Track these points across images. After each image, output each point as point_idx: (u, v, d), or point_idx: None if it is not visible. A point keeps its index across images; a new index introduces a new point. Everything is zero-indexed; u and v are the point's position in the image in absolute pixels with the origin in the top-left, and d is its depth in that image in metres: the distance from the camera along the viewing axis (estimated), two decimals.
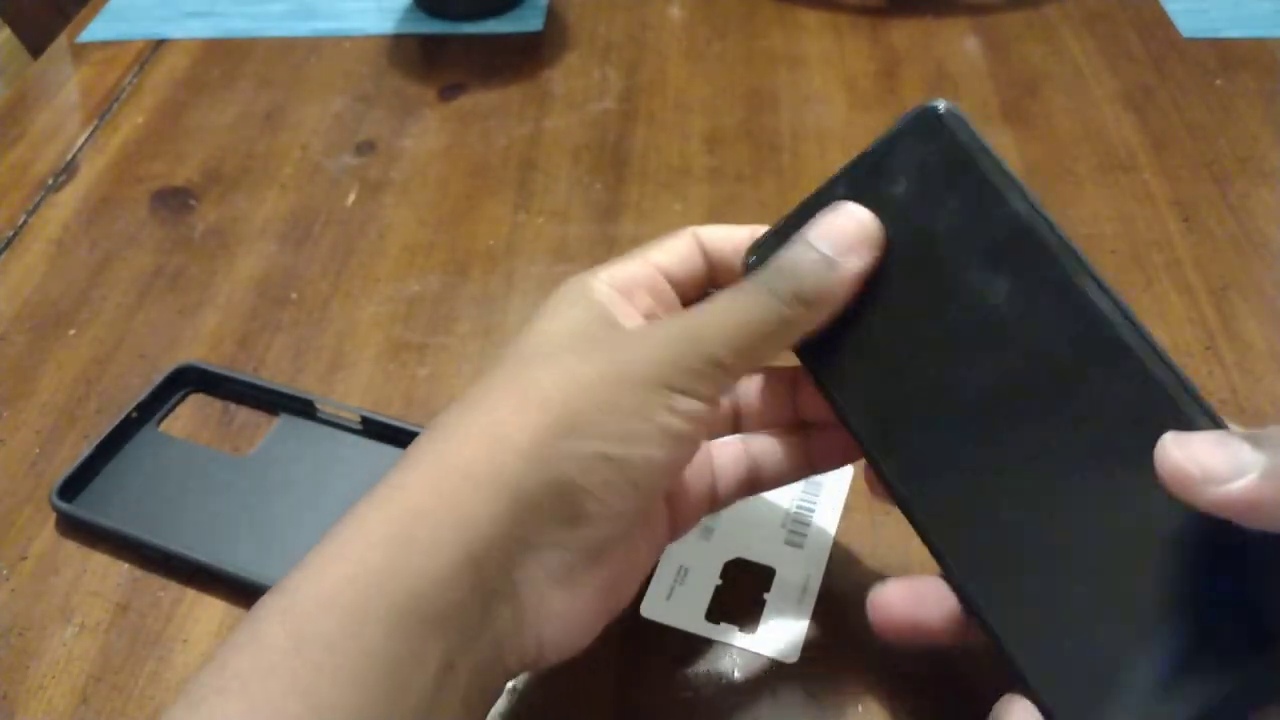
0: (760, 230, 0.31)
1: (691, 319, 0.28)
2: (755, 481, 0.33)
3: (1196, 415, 0.24)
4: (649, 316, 0.30)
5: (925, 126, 0.27)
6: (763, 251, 0.30)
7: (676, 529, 0.31)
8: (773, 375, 0.33)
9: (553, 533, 0.26)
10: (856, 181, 0.28)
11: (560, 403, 0.26)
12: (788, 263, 0.28)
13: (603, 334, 0.28)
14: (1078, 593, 0.24)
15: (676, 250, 0.32)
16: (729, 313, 0.28)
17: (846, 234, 0.28)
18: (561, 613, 0.27)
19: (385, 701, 0.23)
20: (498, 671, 0.26)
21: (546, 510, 0.26)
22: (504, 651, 0.26)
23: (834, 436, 0.32)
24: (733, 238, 0.32)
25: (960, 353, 0.27)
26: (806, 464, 0.33)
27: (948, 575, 0.28)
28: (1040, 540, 0.25)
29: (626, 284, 0.30)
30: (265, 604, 0.25)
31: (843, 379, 0.29)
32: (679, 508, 0.31)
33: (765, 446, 0.33)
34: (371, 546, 0.25)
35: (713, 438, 0.33)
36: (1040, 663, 0.25)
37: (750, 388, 0.33)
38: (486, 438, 0.26)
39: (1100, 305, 0.25)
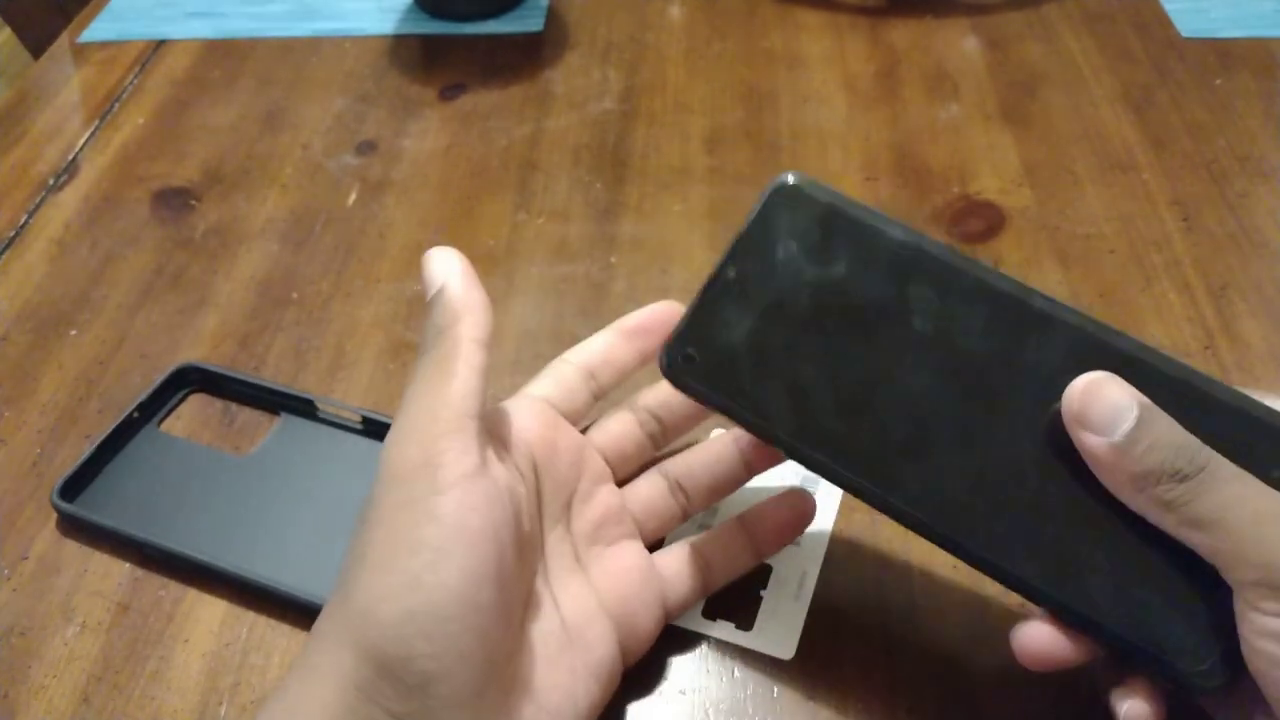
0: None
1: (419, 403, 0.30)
2: (708, 584, 0.34)
3: (1129, 348, 0.27)
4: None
5: (786, 196, 0.30)
6: (672, 349, 0.31)
7: (631, 652, 0.32)
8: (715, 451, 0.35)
9: (410, 700, 0.26)
10: (743, 259, 0.30)
11: (374, 564, 0.27)
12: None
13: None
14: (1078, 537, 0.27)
15: (556, 378, 0.34)
16: (428, 386, 0.30)
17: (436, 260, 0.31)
18: None
19: None
20: None
21: (390, 691, 0.26)
22: None
23: (775, 516, 0.34)
24: (612, 358, 0.35)
25: (903, 370, 0.29)
26: (752, 553, 0.35)
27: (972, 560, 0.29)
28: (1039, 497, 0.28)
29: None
30: None
31: (812, 436, 0.30)
32: (631, 632, 0.32)
33: (713, 546, 0.34)
34: None
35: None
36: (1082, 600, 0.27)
37: (695, 466, 0.35)
38: (330, 636, 0.27)
39: (1005, 286, 0.28)
